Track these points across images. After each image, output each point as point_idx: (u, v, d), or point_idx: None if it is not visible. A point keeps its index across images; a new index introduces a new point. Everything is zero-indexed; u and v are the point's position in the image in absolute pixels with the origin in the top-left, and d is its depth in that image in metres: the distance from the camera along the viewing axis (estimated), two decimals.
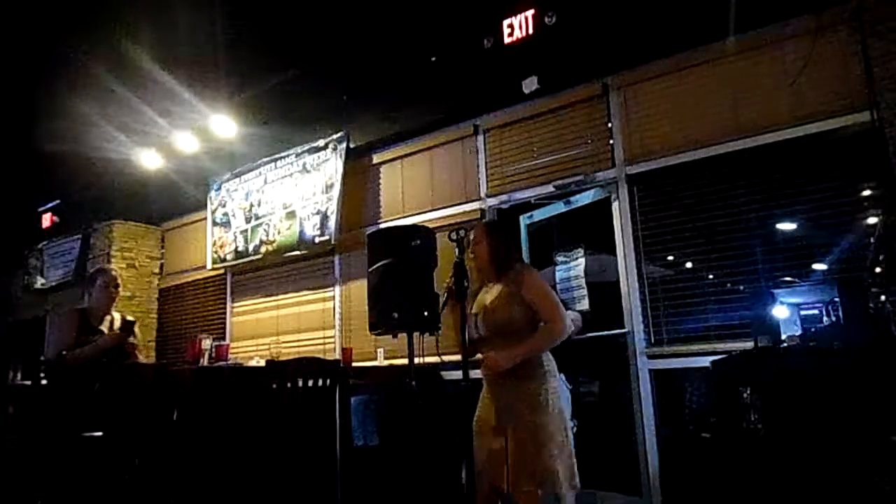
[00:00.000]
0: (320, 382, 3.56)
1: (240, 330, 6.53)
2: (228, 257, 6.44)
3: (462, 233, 3.04)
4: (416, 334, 3.85)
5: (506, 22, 4.60)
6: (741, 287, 3.72)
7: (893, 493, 2.33)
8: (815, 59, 3.53)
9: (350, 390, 4.09)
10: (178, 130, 6.48)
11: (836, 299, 2.79)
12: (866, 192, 3.44)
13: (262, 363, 3.87)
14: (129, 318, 4.12)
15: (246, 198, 6.36)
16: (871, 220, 3.37)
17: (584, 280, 4.27)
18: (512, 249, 2.75)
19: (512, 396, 2.51)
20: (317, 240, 5.55)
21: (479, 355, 2.68)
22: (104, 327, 3.94)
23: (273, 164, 6.13)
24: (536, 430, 2.44)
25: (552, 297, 2.59)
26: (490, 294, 2.68)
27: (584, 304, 4.21)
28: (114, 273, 4.07)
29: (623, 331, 4.03)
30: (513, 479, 2.38)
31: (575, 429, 3.61)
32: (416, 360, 3.80)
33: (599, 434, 4.17)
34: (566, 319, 2.56)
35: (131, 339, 3.94)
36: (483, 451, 2.51)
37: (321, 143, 5.68)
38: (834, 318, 2.84)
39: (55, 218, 8.38)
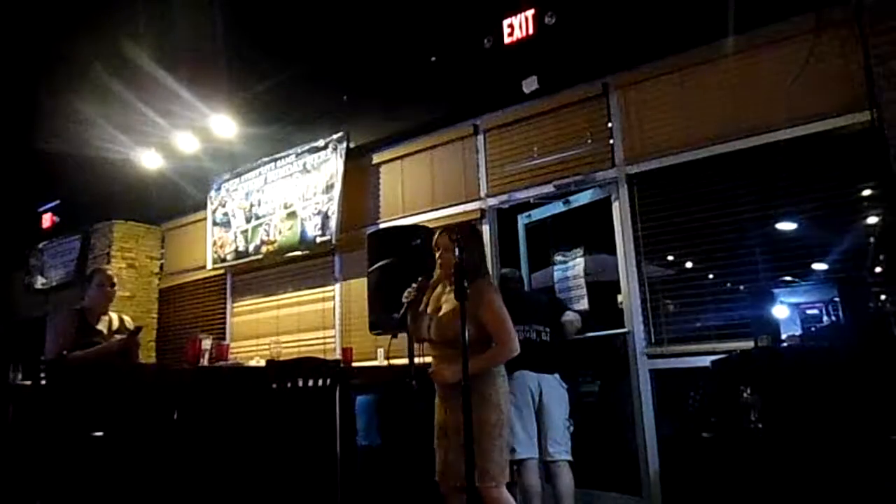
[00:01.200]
0: (320, 382, 3.56)
1: (240, 330, 6.53)
2: (228, 257, 6.44)
3: (463, 234, 3.04)
4: None
5: (506, 22, 4.61)
6: (741, 287, 3.71)
7: (893, 493, 2.33)
8: (815, 58, 3.53)
9: (351, 390, 4.09)
10: (178, 130, 6.49)
11: (836, 299, 2.79)
12: (866, 192, 3.43)
13: (262, 363, 3.87)
14: (127, 318, 4.14)
15: (246, 198, 6.36)
16: (871, 220, 3.37)
17: (583, 280, 4.27)
18: (477, 263, 2.74)
19: (456, 399, 2.52)
20: (318, 240, 5.55)
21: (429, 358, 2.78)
22: (102, 327, 3.95)
23: (273, 164, 6.13)
24: (489, 428, 2.55)
25: (505, 320, 2.66)
26: (448, 302, 2.72)
27: (584, 304, 4.21)
28: (109, 272, 4.10)
29: (623, 331, 4.03)
30: (476, 475, 2.45)
31: (571, 428, 3.61)
32: (416, 360, 3.80)
33: (599, 434, 4.17)
34: (515, 342, 2.63)
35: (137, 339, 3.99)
36: (441, 452, 2.65)
37: (321, 143, 5.68)
38: (834, 318, 2.84)
39: (55, 218, 8.39)
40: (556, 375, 3.68)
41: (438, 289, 2.85)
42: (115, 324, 4.03)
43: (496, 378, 2.64)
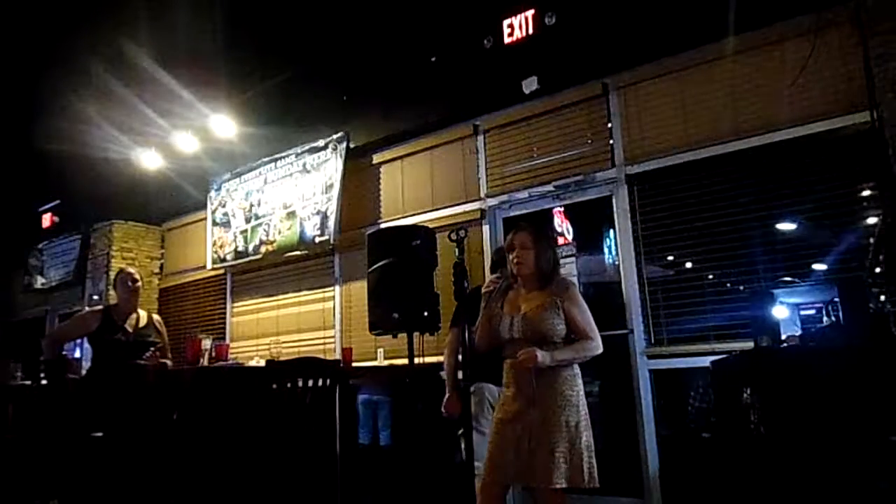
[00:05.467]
0: (320, 382, 3.56)
1: (240, 330, 6.53)
2: (228, 257, 6.44)
3: (462, 233, 3.04)
4: (416, 334, 3.85)
5: (506, 22, 4.61)
6: (741, 287, 3.71)
7: (893, 493, 2.33)
8: (815, 59, 3.53)
9: (352, 390, 4.09)
10: (178, 130, 6.49)
11: (836, 299, 2.79)
12: (866, 192, 3.43)
13: (262, 363, 3.87)
14: (156, 317, 4.25)
15: (246, 198, 6.36)
16: (871, 220, 3.37)
17: (576, 279, 4.24)
18: (556, 260, 2.76)
19: (545, 396, 2.55)
20: (317, 240, 5.55)
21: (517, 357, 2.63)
22: (129, 325, 4.00)
23: (273, 164, 6.13)
24: (570, 429, 2.51)
25: (590, 316, 2.69)
26: (530, 301, 2.67)
27: None
28: (130, 271, 4.19)
29: (623, 331, 4.03)
30: (545, 475, 2.45)
31: None
32: (416, 360, 3.80)
33: (599, 434, 4.16)
34: (600, 339, 2.67)
35: (156, 347, 4.01)
36: (509, 448, 2.54)
37: (321, 143, 5.68)
38: (834, 318, 2.84)
39: (55, 218, 8.39)
40: None
41: (512, 292, 2.76)
42: (143, 321, 4.08)
43: (576, 378, 2.63)
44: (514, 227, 2.79)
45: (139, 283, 4.13)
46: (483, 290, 2.75)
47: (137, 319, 4.05)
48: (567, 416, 2.52)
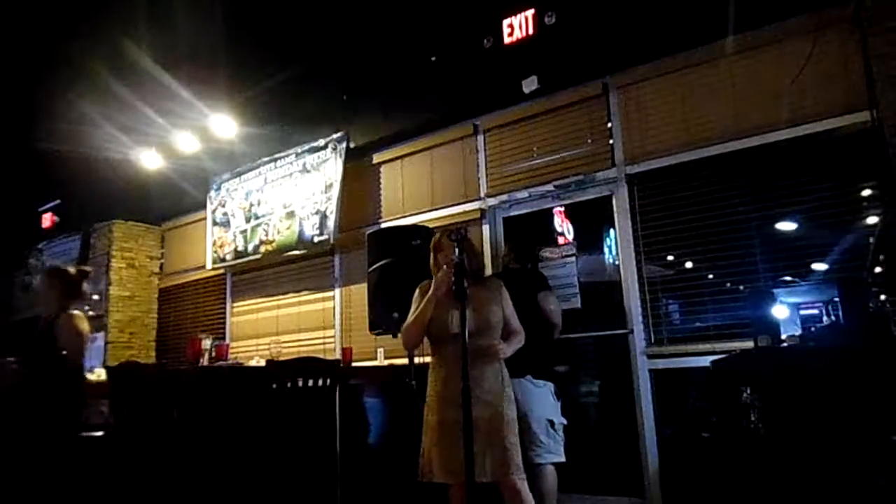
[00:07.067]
0: (320, 382, 3.56)
1: (240, 330, 6.53)
2: (228, 257, 6.44)
3: (462, 232, 3.04)
4: None
5: (506, 22, 4.61)
6: (741, 287, 3.72)
7: (892, 491, 2.34)
8: (815, 58, 3.53)
9: (356, 390, 4.09)
10: (178, 130, 6.49)
11: (836, 299, 2.78)
12: (866, 192, 3.44)
13: (262, 363, 3.87)
14: (75, 313, 3.48)
15: (246, 198, 6.36)
16: (871, 220, 3.37)
17: (575, 279, 4.25)
18: (482, 263, 2.98)
19: (487, 394, 2.64)
20: (315, 239, 5.55)
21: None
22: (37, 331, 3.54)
23: (273, 164, 6.13)
24: (511, 424, 2.65)
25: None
26: (475, 295, 2.71)
27: (576, 303, 4.18)
28: (45, 267, 3.80)
29: (623, 331, 4.03)
30: (510, 469, 2.54)
31: (560, 428, 3.45)
32: (416, 360, 3.80)
33: (599, 435, 4.17)
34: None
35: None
36: (459, 449, 2.44)
37: (321, 143, 5.68)
38: (834, 318, 2.84)
39: (55, 218, 8.39)
40: (528, 377, 3.34)
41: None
42: (56, 324, 3.45)
43: (508, 376, 2.75)
44: (438, 231, 3.00)
45: (47, 278, 3.60)
46: (420, 288, 2.88)
47: (49, 324, 3.48)
48: (511, 412, 2.66)
